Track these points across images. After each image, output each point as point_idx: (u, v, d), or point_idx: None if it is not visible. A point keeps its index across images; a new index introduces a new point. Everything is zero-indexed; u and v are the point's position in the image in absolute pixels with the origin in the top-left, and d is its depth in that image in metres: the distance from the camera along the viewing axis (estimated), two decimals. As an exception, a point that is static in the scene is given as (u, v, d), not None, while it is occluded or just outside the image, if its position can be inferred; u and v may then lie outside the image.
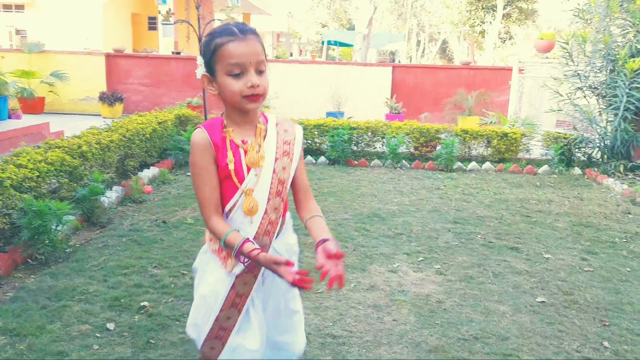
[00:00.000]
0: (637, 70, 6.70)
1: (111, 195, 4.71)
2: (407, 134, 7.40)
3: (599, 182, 6.74)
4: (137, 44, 16.40)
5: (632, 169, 7.02)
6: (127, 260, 3.53)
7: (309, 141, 7.43)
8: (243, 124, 1.63)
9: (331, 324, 2.89)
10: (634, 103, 6.79)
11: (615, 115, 7.03)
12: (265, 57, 1.59)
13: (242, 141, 1.61)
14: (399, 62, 30.61)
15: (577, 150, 7.54)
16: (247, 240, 1.54)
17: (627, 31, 7.06)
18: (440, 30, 32.38)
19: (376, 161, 7.25)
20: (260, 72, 1.55)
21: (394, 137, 7.16)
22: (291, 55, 29.52)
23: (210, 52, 1.54)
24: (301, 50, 35.42)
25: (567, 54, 7.44)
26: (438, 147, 7.41)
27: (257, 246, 1.56)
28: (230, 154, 1.58)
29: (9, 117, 7.20)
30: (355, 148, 7.50)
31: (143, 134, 5.84)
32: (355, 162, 7.21)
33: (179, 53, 12.21)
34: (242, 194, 1.60)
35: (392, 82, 11.36)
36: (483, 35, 24.92)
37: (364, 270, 3.63)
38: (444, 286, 3.44)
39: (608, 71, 7.16)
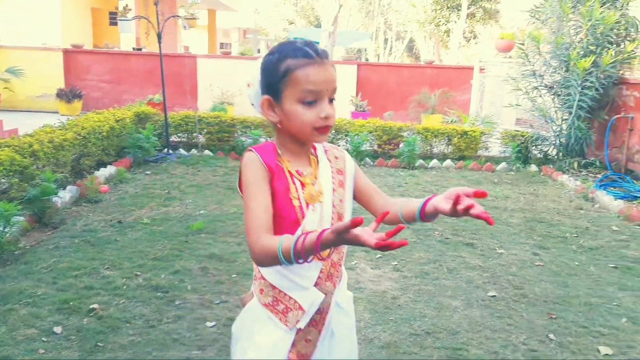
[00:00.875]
0: (588, 69, 6.92)
1: (64, 195, 4.60)
2: (370, 132, 7.45)
3: (554, 178, 6.93)
4: (98, 40, 16.00)
5: (586, 166, 7.25)
6: (79, 261, 3.46)
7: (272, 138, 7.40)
8: (298, 154, 1.42)
9: (285, 322, 2.89)
10: (586, 102, 7.01)
11: (570, 113, 7.25)
12: None
13: (297, 172, 1.40)
14: (367, 60, 30.74)
15: (534, 147, 7.74)
16: (304, 233, 1.20)
17: (579, 31, 7.27)
18: (406, 29, 32.69)
19: (339, 159, 7.27)
20: (331, 101, 1.35)
21: (357, 135, 7.20)
22: (259, 52, 29.34)
23: (281, 74, 1.32)
24: (269, 47, 35.31)
25: (524, 54, 7.62)
26: (401, 145, 7.48)
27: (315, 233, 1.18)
28: (293, 188, 1.37)
29: (-41, 115, 6.94)
30: (318, 146, 7.50)
31: (100, 132, 5.71)
32: (318, 160, 7.21)
33: (140, 49, 11.98)
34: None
35: (357, 80, 11.42)
36: (448, 34, 25.27)
37: (321, 268, 3.64)
38: (400, 282, 3.48)
39: (563, 71, 7.37)
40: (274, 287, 1.39)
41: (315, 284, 1.39)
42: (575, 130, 7.21)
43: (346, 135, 7.40)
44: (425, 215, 1.33)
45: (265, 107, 1.38)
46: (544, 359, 2.66)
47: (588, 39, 7.15)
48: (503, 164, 7.45)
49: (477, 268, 3.78)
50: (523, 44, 7.64)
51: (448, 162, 7.37)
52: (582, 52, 7.07)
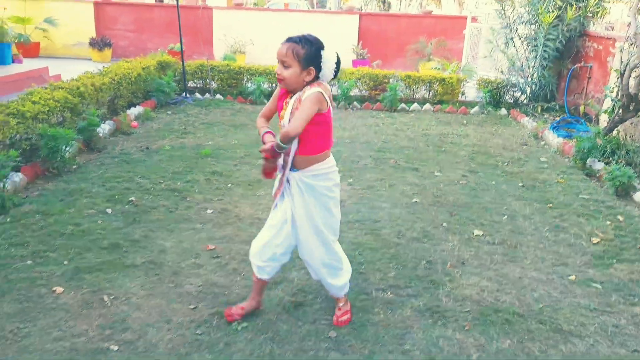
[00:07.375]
0: (553, 23, 7.82)
1: (105, 128, 5.93)
2: (359, 79, 8.54)
3: (518, 120, 7.99)
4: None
5: (548, 110, 8.28)
6: (119, 173, 4.81)
7: (274, 85, 8.57)
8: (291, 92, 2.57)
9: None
10: (549, 52, 7.96)
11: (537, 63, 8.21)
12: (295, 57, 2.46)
13: (286, 102, 2.56)
14: (389, 4, 30.74)
15: (506, 93, 8.74)
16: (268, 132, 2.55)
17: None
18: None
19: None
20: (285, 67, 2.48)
21: (346, 81, 8.31)
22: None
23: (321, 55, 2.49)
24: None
25: (501, 7, 8.51)
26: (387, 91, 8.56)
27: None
28: (283, 110, 2.57)
29: (13, 62, 8.27)
30: (315, 91, 8.64)
31: (129, 78, 6.97)
32: (314, 103, 8.37)
33: (162, 0, 13.03)
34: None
35: (359, 29, 12.34)
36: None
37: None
38: (349, 192, 4.74)
39: (533, 24, 8.27)
40: None
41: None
42: (540, 78, 8.19)
43: (337, 81, 8.51)
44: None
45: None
46: (430, 236, 3.92)
47: (557, -6, 8.01)
48: (476, 108, 8.50)
49: (413, 184, 5.01)
50: (501, -1, 8.52)
51: (427, 105, 8.46)
52: (550, 7, 7.95)
